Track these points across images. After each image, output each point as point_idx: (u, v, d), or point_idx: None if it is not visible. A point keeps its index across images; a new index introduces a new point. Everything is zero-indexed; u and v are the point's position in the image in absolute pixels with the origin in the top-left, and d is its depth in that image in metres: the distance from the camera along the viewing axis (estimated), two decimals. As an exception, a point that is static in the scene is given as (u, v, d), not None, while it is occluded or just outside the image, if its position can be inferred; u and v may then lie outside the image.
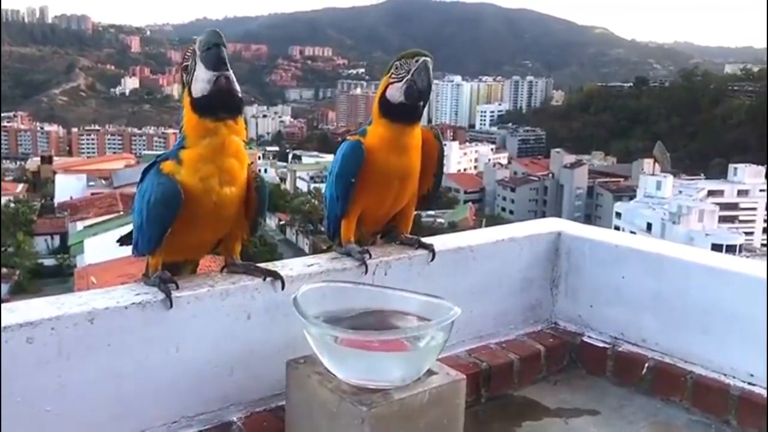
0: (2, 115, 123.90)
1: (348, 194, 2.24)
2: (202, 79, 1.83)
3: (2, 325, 1.67)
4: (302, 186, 62.74)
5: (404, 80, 2.15)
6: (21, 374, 1.69)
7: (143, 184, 1.96)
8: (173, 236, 1.90)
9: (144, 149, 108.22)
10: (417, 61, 2.14)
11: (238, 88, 1.86)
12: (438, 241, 2.44)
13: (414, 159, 2.27)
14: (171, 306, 1.87)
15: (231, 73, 1.84)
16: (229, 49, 1.87)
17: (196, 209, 1.89)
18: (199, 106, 1.85)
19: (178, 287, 1.91)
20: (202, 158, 1.87)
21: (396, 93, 2.16)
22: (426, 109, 2.24)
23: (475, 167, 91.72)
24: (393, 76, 2.17)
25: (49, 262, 34.36)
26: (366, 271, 2.20)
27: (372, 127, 2.24)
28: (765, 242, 55.75)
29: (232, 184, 1.92)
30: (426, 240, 2.41)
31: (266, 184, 2.05)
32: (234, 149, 1.90)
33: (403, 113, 2.18)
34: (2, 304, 1.76)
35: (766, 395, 2.23)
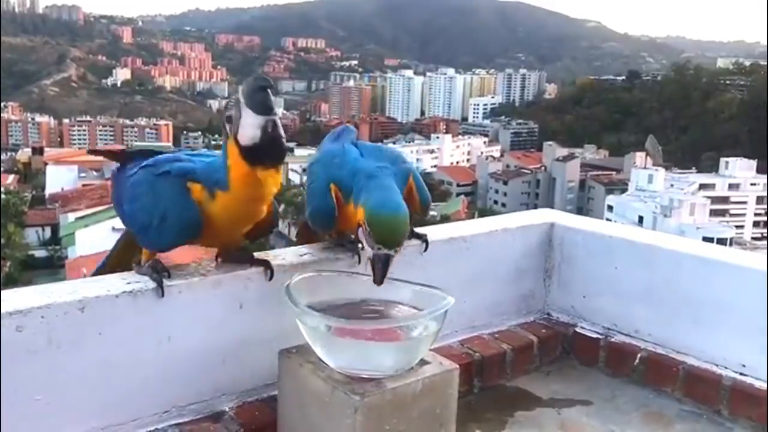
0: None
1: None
2: (251, 125, 1.73)
3: (-8, 313, 1.66)
4: (294, 178, 62.70)
5: None
6: (11, 363, 1.68)
7: (160, 186, 1.89)
8: None
9: (135, 140, 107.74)
10: None
11: (283, 133, 1.80)
12: (431, 232, 2.43)
13: None
14: (162, 295, 1.86)
15: (278, 117, 1.77)
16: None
17: (212, 234, 1.90)
18: (250, 155, 1.76)
19: (169, 276, 1.90)
20: (239, 204, 1.85)
21: None
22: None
23: (468, 160, 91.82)
24: None
25: (40, 253, 34.30)
26: (359, 261, 2.19)
27: None
28: (755, 236, 56.00)
29: (254, 222, 1.94)
30: (419, 230, 2.40)
31: (278, 211, 2.07)
32: (269, 197, 1.88)
33: None
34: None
35: (759, 385, 2.24)
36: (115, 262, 2.14)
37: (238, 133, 1.76)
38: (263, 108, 1.73)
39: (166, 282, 1.87)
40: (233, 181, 1.81)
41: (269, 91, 1.74)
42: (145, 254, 1.97)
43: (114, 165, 2.12)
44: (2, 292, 1.76)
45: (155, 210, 1.88)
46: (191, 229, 1.87)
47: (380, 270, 1.84)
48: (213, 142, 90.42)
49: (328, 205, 2.05)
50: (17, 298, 1.74)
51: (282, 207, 47.44)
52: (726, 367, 2.32)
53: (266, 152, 1.76)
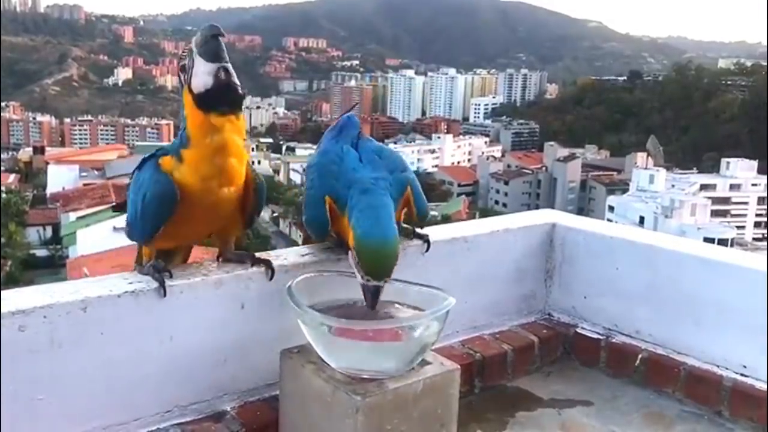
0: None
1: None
2: (202, 73, 1.76)
3: (-5, 313, 1.66)
4: (295, 178, 62.70)
5: None
6: (13, 363, 1.68)
7: (140, 176, 1.94)
8: (167, 228, 1.89)
9: (137, 140, 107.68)
10: None
11: (237, 81, 1.79)
12: (432, 232, 2.43)
13: None
14: (164, 295, 1.86)
15: (230, 65, 1.78)
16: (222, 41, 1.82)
17: (193, 207, 1.86)
18: (202, 101, 1.78)
19: (171, 276, 1.90)
20: (204, 158, 1.83)
21: None
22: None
23: (469, 160, 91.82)
24: None
25: (41, 253, 34.28)
26: (360, 261, 2.19)
27: None
28: (756, 236, 55.96)
29: (231, 184, 1.89)
30: (421, 230, 2.40)
31: (264, 186, 2.05)
32: (235, 149, 1.86)
33: None
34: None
35: (760, 386, 2.24)
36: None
37: (191, 82, 1.78)
38: (214, 55, 1.75)
39: (167, 282, 1.87)
40: (191, 133, 1.82)
41: (220, 39, 1.76)
42: (147, 254, 1.97)
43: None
44: (4, 291, 1.77)
45: (138, 198, 1.90)
46: (167, 202, 1.84)
47: (370, 300, 1.86)
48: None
49: (322, 218, 2.06)
50: (19, 297, 1.75)
51: (282, 207, 47.43)
52: (727, 368, 2.32)
53: (218, 97, 1.77)
